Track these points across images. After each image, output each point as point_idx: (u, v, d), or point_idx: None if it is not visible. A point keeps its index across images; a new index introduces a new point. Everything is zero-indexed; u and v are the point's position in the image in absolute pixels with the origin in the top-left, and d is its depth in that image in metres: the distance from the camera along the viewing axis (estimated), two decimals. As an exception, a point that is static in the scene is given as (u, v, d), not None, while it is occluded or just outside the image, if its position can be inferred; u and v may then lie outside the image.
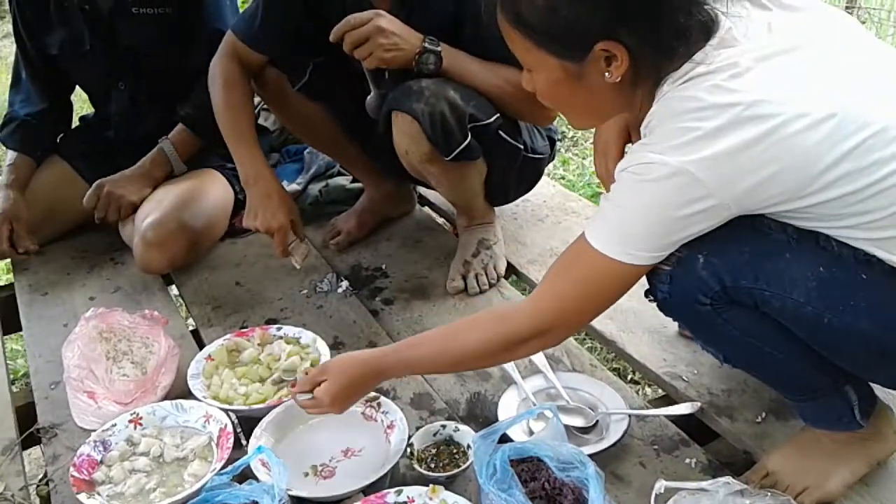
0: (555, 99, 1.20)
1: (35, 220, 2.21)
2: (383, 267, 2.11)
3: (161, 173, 2.21)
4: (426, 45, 1.70)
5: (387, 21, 1.67)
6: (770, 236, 1.09)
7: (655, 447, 1.42)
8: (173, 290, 2.16)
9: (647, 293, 1.22)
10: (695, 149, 1.00)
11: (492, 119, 1.77)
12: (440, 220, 2.41)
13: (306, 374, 1.38)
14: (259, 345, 1.72)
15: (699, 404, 1.47)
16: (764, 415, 1.45)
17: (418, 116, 1.69)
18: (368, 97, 1.84)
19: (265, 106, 2.42)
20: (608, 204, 1.12)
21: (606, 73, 1.08)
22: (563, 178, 3.47)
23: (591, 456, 1.22)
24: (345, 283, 2.01)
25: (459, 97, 1.71)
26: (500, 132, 1.82)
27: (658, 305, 1.22)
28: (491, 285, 1.95)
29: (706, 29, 1.06)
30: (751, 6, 1.11)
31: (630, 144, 1.43)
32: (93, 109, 2.44)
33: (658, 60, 1.07)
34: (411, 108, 1.70)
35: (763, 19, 1.09)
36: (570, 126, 4.01)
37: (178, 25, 2.14)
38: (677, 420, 1.48)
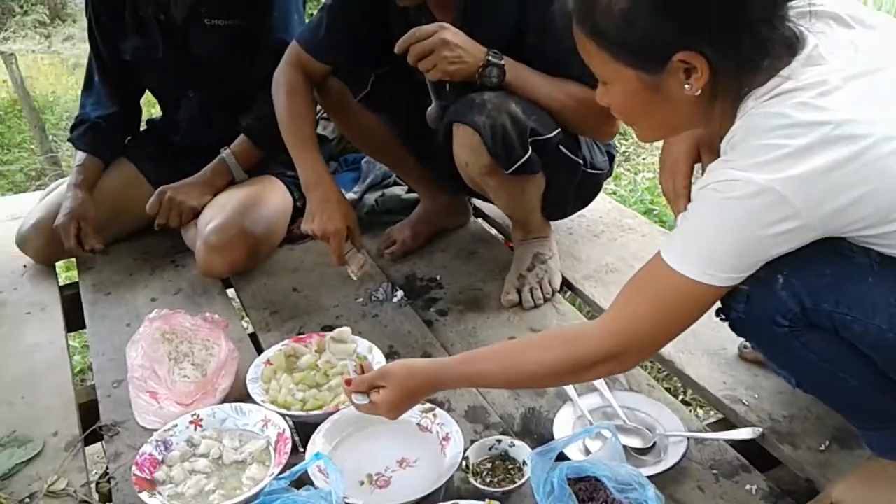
0: (629, 111, 1.19)
1: (101, 220, 2.26)
2: (438, 278, 2.11)
3: (222, 182, 2.26)
4: (490, 58, 1.71)
5: (451, 34, 1.68)
6: (852, 259, 1.06)
7: (715, 471, 1.40)
8: (232, 293, 2.20)
9: (718, 312, 1.19)
10: (782, 167, 0.98)
11: (553, 133, 1.77)
12: (494, 233, 2.42)
13: (360, 369, 1.39)
14: (316, 351, 1.73)
15: (761, 430, 1.44)
16: (827, 443, 1.42)
17: (480, 129, 1.70)
18: (429, 108, 1.85)
19: (324, 115, 2.45)
20: (687, 222, 1.10)
21: (686, 86, 1.07)
22: (614, 192, 3.46)
23: (648, 478, 1.21)
24: (400, 293, 2.02)
25: (521, 111, 1.71)
26: (561, 147, 1.81)
27: (731, 325, 1.20)
28: (546, 300, 1.95)
29: (790, 44, 1.05)
30: (834, 24, 1.09)
31: (699, 163, 1.41)
32: (160, 113, 2.49)
33: (740, 74, 1.05)
34: (473, 120, 1.70)
35: (847, 38, 1.07)
36: (621, 142, 4.00)
37: (247, 36, 2.19)
38: (737, 445, 1.45)
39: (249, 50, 2.20)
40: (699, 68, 1.04)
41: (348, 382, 1.36)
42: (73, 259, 2.35)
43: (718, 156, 1.26)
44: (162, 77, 2.31)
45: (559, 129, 1.78)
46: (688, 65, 1.04)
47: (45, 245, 2.24)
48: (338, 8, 1.90)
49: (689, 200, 1.37)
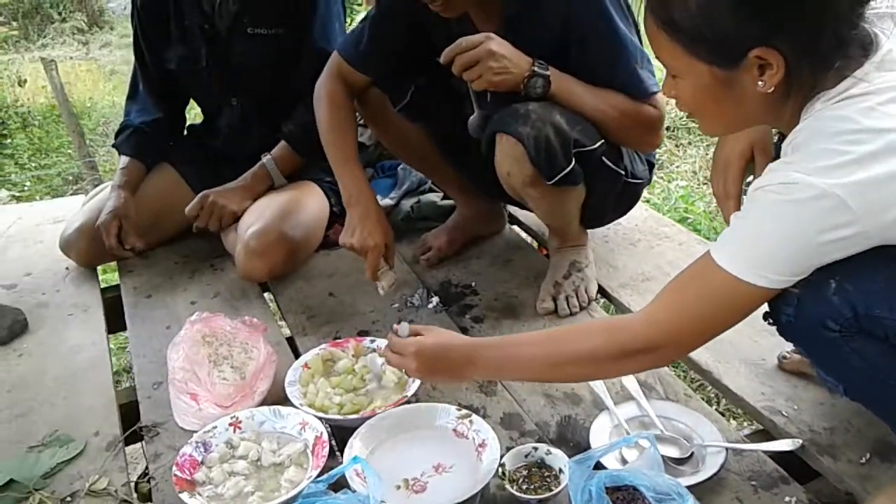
0: (697, 105, 1.18)
1: (143, 222, 2.31)
2: (473, 284, 2.12)
3: (263, 187, 2.29)
4: (535, 68, 1.71)
5: (497, 44, 1.69)
6: None
7: (753, 483, 1.38)
8: (269, 297, 2.22)
9: (766, 316, 1.19)
10: (846, 172, 0.97)
11: (597, 145, 1.76)
12: (529, 240, 2.42)
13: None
14: (353, 356, 1.75)
15: (800, 441, 1.43)
16: (868, 455, 1.40)
17: (523, 139, 1.70)
18: (471, 117, 1.86)
19: (361, 122, 2.48)
20: (741, 223, 1.10)
21: (759, 82, 1.06)
22: (647, 200, 3.44)
23: (686, 488, 1.21)
24: (435, 299, 2.03)
25: (565, 122, 1.71)
26: (604, 158, 1.81)
27: (779, 329, 1.19)
28: (581, 308, 1.95)
29: (865, 46, 1.04)
30: None
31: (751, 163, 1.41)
32: (201, 118, 2.54)
33: (814, 73, 1.05)
34: (517, 130, 1.71)
35: None
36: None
37: (289, 44, 2.22)
38: (775, 456, 1.44)
39: (291, 58, 2.23)
40: (775, 65, 1.03)
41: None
42: (115, 262, 2.39)
43: (771, 158, 1.26)
44: (205, 85, 2.35)
45: (603, 141, 1.78)
46: (763, 61, 1.04)
47: (87, 248, 2.29)
48: (380, 19, 1.92)
49: (739, 202, 1.37)
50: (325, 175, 2.21)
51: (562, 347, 1.26)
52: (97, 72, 7.65)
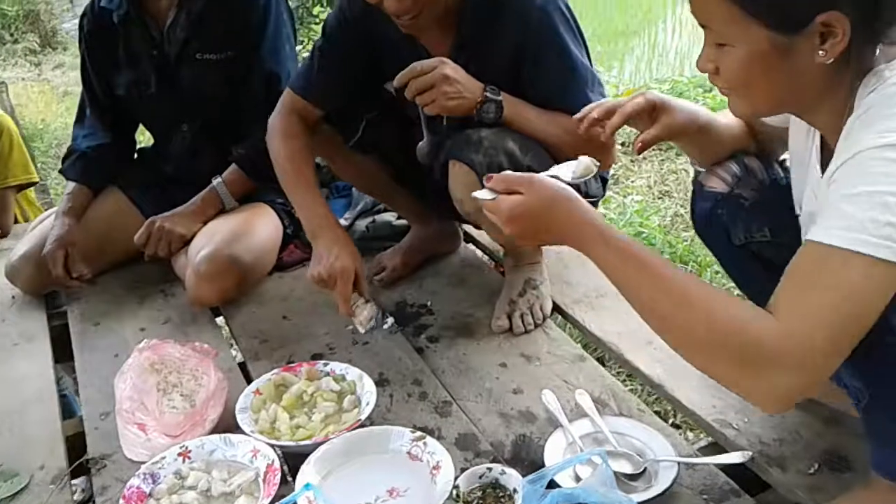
0: (746, 77, 1.08)
1: (90, 248, 2.26)
2: (428, 304, 2.11)
3: (213, 210, 2.26)
4: (487, 94, 1.72)
5: (451, 69, 1.70)
6: None
7: (705, 496, 1.39)
8: (221, 322, 2.19)
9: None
10: None
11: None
12: (485, 258, 2.42)
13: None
14: (307, 380, 1.73)
15: (750, 453, 1.44)
16: (817, 466, 1.42)
17: (476, 167, 1.70)
18: (420, 143, 1.86)
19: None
20: (848, 199, 0.96)
21: (821, 51, 1.00)
22: (604, 216, 3.47)
23: (639, 504, 1.21)
24: (390, 320, 2.02)
25: (518, 148, 1.72)
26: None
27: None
28: (536, 325, 1.95)
29: None
30: None
31: None
32: (151, 142, 2.51)
33: (873, 45, 1.00)
34: (469, 158, 1.71)
35: None
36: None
37: (239, 68, 2.21)
38: (727, 469, 1.45)
39: (241, 82, 2.22)
40: (840, 32, 0.98)
41: (489, 179, 1.25)
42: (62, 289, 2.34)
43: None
44: (154, 111, 2.33)
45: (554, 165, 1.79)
46: (828, 28, 0.98)
47: (34, 275, 2.24)
48: (328, 48, 1.91)
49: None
50: (277, 196, 2.20)
51: (702, 298, 1.05)
52: (50, 93, 7.52)
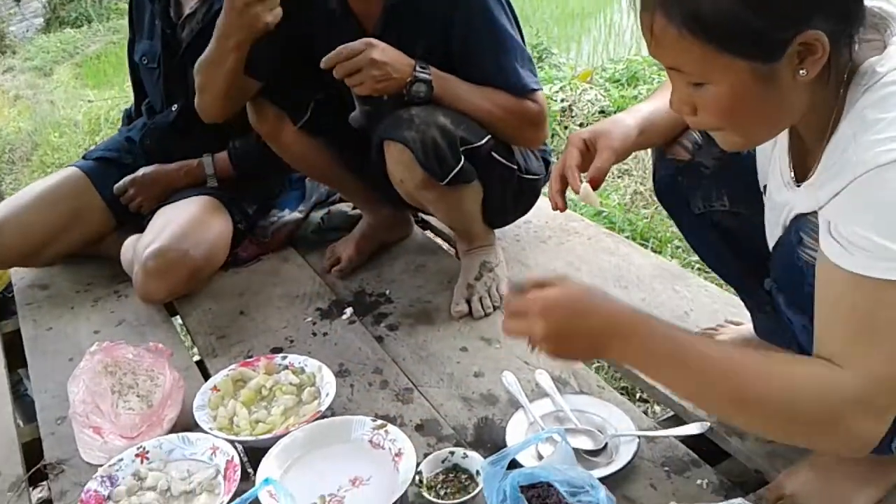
0: (734, 113, 1.03)
1: (53, 228, 2.26)
2: (387, 292, 2.10)
3: (191, 181, 2.30)
4: (417, 73, 1.73)
5: (379, 52, 1.70)
6: None
7: (666, 468, 1.40)
8: (178, 321, 2.16)
9: None
10: None
11: (483, 140, 1.79)
12: (442, 244, 2.41)
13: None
14: (265, 374, 1.71)
15: (708, 424, 1.45)
16: (774, 433, 1.44)
17: (410, 144, 1.71)
18: (353, 113, 1.85)
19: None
20: (890, 225, 0.93)
21: (801, 71, 0.96)
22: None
23: (601, 479, 1.21)
24: (349, 310, 2.01)
25: (450, 122, 1.73)
26: (493, 153, 1.85)
27: None
28: (495, 308, 1.94)
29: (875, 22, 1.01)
30: None
31: None
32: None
33: (849, 49, 0.98)
34: (402, 136, 1.72)
35: None
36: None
37: None
38: (687, 440, 1.46)
39: None
40: (820, 48, 0.94)
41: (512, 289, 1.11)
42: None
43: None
44: (154, 85, 2.35)
45: (489, 136, 1.81)
46: (807, 46, 0.95)
47: None
48: None
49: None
50: (228, 191, 2.18)
51: (753, 382, 1.00)
52: (1, 98, 7.36)
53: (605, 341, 1.06)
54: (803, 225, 1.10)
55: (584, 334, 1.07)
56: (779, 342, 1.40)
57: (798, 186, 1.13)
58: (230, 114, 2.03)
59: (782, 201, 1.19)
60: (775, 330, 1.39)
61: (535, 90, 1.83)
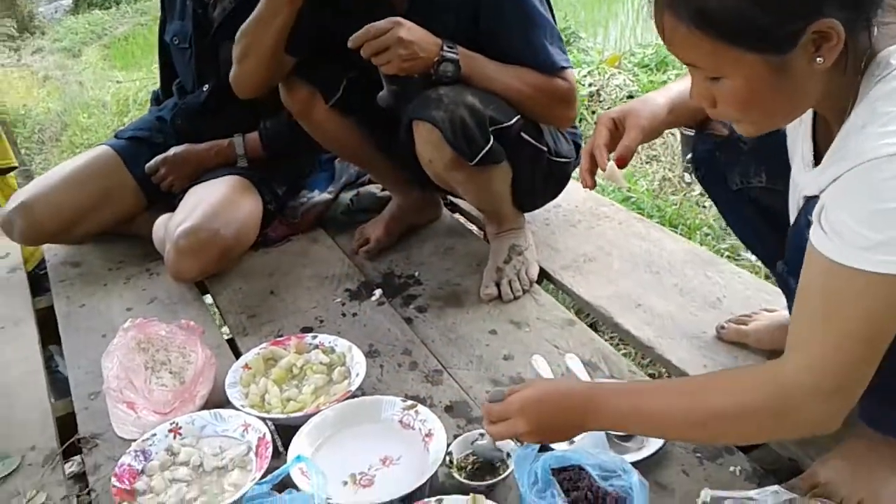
0: (750, 104, 1.04)
1: (83, 206, 2.28)
2: (416, 274, 2.10)
3: (221, 161, 2.31)
4: (444, 53, 1.72)
5: (406, 31, 1.69)
6: None
7: (698, 455, 1.39)
8: (208, 299, 2.17)
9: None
10: None
11: (513, 121, 1.78)
12: (472, 227, 2.41)
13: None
14: (295, 353, 1.72)
15: (742, 410, 1.44)
16: (808, 420, 1.42)
17: (438, 124, 1.70)
18: (381, 93, 1.84)
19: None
20: (848, 210, 0.95)
21: (818, 59, 0.96)
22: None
23: (632, 464, 1.21)
24: (378, 291, 2.01)
25: (478, 101, 1.72)
26: (523, 134, 1.83)
27: None
28: (524, 291, 1.94)
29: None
30: None
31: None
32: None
33: (867, 32, 0.98)
34: (431, 115, 1.71)
35: None
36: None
37: None
38: (719, 426, 1.45)
39: None
40: (835, 36, 0.94)
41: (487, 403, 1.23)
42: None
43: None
44: (185, 65, 2.36)
45: (519, 116, 1.79)
46: (821, 35, 0.94)
47: (25, 228, 2.24)
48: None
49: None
50: (258, 172, 2.19)
51: (703, 401, 1.07)
52: (30, 78, 7.42)
53: (580, 419, 1.17)
54: (811, 207, 1.09)
55: (561, 420, 1.18)
56: None
57: (813, 168, 1.12)
58: (265, 89, 2.02)
59: (799, 182, 1.19)
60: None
61: (565, 68, 1.81)
